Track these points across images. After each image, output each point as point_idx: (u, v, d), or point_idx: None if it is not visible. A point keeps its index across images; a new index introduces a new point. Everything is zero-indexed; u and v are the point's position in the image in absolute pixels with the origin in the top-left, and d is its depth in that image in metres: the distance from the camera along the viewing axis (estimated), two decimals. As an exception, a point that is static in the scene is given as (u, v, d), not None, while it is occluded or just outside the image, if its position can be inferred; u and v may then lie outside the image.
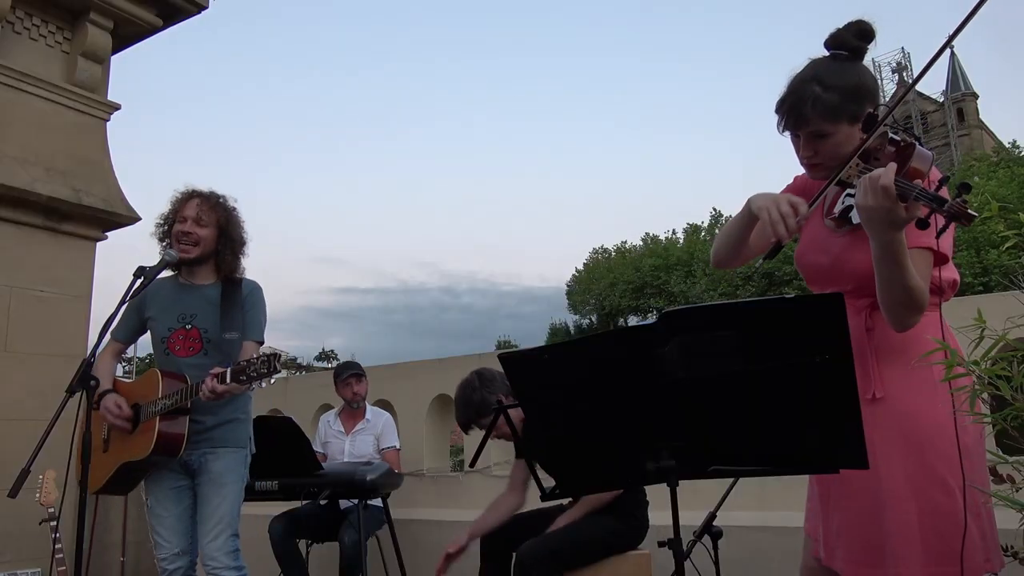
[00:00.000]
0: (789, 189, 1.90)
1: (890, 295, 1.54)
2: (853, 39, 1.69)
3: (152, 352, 3.18)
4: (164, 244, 3.03)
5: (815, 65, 1.71)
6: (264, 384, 2.59)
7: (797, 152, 1.75)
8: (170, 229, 3.01)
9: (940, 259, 1.62)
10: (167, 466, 2.89)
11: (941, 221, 1.41)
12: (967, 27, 1.44)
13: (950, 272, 1.70)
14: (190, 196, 3.04)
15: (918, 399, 1.60)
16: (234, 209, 3.11)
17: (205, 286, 3.03)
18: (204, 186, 3.11)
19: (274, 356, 2.60)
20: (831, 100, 1.63)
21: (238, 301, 2.99)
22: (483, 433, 3.00)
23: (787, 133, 1.75)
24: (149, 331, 3.04)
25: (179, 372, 2.88)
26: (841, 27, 1.69)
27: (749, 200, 1.75)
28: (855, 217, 1.62)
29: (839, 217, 1.71)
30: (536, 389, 1.61)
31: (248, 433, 3.05)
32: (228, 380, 2.61)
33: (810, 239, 1.82)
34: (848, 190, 1.66)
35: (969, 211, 1.34)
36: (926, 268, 1.57)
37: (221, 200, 3.08)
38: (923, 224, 1.40)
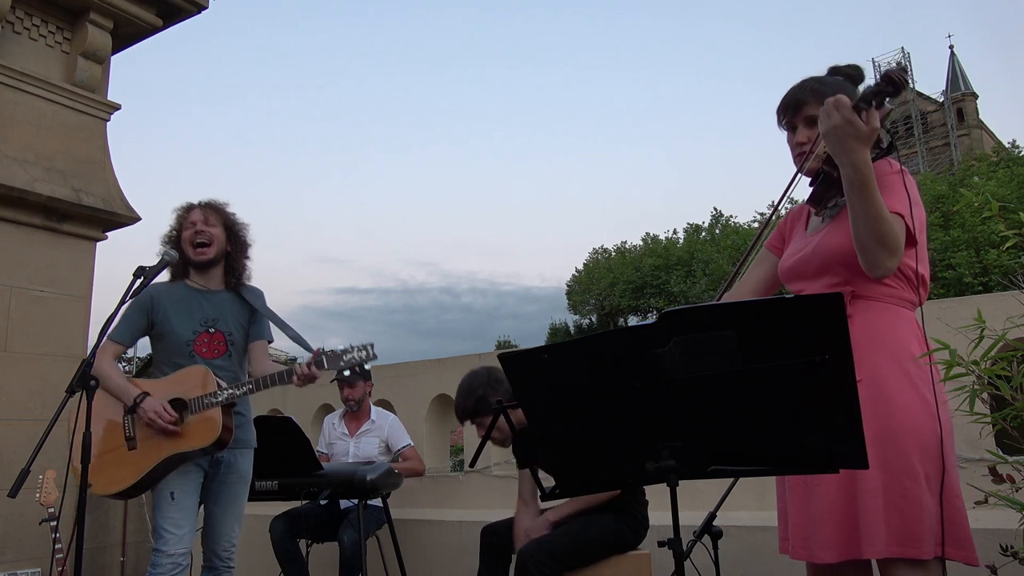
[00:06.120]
0: (784, 220, 2.13)
1: (865, 227, 1.62)
2: (849, 69, 1.95)
3: (152, 352, 3.23)
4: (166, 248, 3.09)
5: (815, 76, 1.96)
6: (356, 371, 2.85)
7: (791, 147, 1.93)
8: (179, 242, 3.09)
9: (910, 239, 1.70)
10: (204, 457, 2.97)
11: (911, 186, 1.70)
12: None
13: (923, 266, 1.78)
14: (190, 207, 3.17)
15: (896, 384, 1.69)
16: (234, 212, 3.26)
17: (219, 292, 3.16)
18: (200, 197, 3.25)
19: (370, 345, 2.79)
20: (827, 91, 1.81)
21: (251, 307, 3.17)
22: (478, 430, 3.01)
23: (785, 132, 1.95)
24: (163, 334, 3.05)
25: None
26: (841, 64, 1.98)
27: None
28: (830, 212, 1.84)
29: (814, 202, 1.86)
30: (536, 389, 1.61)
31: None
32: (326, 366, 2.80)
33: (791, 249, 2.01)
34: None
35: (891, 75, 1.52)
36: (900, 231, 1.67)
37: (221, 204, 3.22)
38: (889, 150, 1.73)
